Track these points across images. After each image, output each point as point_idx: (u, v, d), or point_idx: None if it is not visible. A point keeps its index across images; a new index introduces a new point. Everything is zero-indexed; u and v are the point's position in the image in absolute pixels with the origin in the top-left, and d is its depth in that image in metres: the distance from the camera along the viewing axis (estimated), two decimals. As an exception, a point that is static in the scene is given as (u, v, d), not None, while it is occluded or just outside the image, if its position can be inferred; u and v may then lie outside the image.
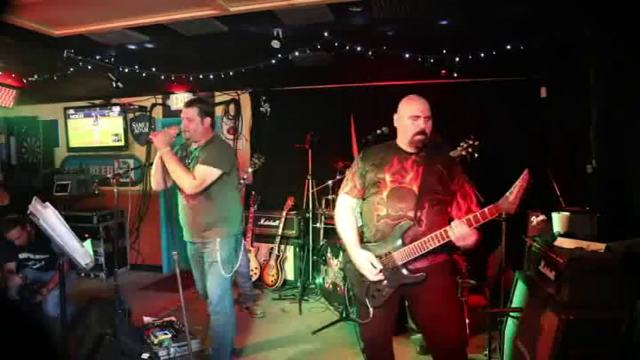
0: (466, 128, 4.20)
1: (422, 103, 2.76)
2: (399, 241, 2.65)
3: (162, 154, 3.50)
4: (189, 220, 3.72)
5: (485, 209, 2.46)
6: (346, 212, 2.92)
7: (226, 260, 3.66)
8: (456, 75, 4.64)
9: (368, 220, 2.83)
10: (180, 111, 6.95)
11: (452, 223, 2.53)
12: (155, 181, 3.75)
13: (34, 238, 4.59)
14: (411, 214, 2.65)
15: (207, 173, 3.49)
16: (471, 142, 3.99)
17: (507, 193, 2.41)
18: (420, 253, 2.60)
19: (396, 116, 2.87)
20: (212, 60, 5.03)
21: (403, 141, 2.81)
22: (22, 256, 4.63)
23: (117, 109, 7.43)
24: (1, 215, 5.45)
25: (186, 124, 3.61)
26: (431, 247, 2.57)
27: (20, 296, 4.44)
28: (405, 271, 2.67)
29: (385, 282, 2.71)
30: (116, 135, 7.52)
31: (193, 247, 3.83)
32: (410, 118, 2.73)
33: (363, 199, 2.89)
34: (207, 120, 3.67)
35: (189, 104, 3.67)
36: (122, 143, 7.52)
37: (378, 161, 2.81)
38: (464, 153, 3.97)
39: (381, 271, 2.67)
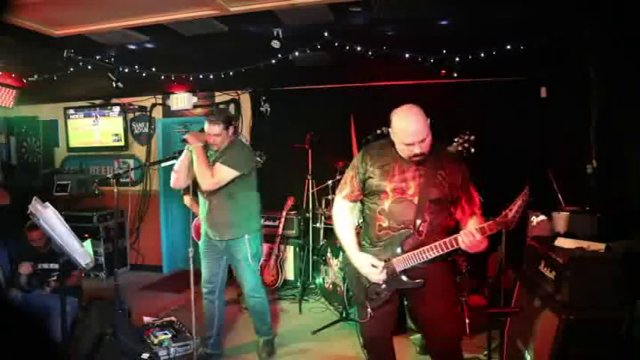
0: (466, 128, 4.19)
1: (415, 125, 2.53)
2: (399, 249, 2.64)
3: (194, 149, 3.73)
4: (213, 219, 3.96)
5: (485, 225, 2.43)
6: (344, 216, 2.89)
7: (255, 254, 4.04)
8: (455, 75, 4.64)
9: (369, 227, 2.80)
10: (180, 112, 7.06)
11: (461, 232, 2.49)
12: (175, 179, 3.92)
13: (48, 249, 4.56)
14: (412, 225, 2.63)
15: (225, 173, 3.77)
16: (466, 136, 3.98)
17: (507, 210, 2.37)
18: (420, 262, 2.58)
19: (391, 130, 2.68)
20: (212, 60, 5.03)
21: (401, 153, 2.67)
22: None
23: (117, 109, 7.43)
24: (1, 215, 5.46)
25: (214, 140, 3.84)
26: (434, 256, 2.55)
27: (29, 284, 4.43)
28: (404, 278, 2.66)
29: (384, 286, 2.70)
30: (116, 135, 7.53)
31: (217, 243, 4.02)
32: (403, 144, 2.58)
33: (365, 204, 2.85)
34: (231, 128, 3.95)
35: (212, 122, 3.83)
36: (122, 143, 7.52)
37: (378, 169, 2.71)
38: (460, 148, 3.97)
39: (383, 269, 2.66)
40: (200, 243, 4.14)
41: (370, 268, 2.67)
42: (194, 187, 3.99)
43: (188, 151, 3.78)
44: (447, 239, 2.53)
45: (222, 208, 3.89)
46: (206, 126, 3.85)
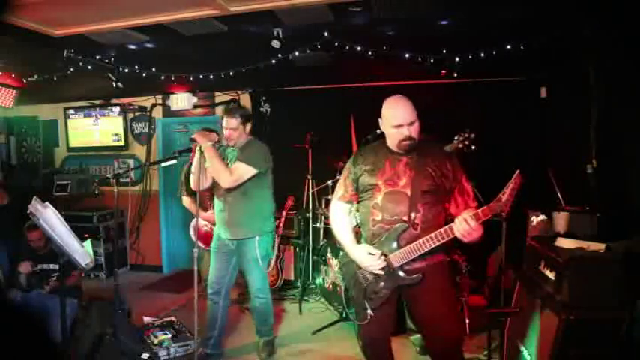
0: (466, 128, 4.20)
1: (404, 109, 2.67)
2: (395, 244, 2.65)
3: (204, 149, 3.67)
4: (227, 218, 3.95)
5: (479, 211, 2.45)
6: (340, 216, 2.95)
7: (265, 256, 4.04)
8: (455, 75, 4.64)
9: (364, 224, 2.83)
10: (180, 112, 7.06)
11: (456, 219, 2.51)
12: (194, 181, 3.87)
13: (48, 249, 4.55)
14: (406, 218, 2.65)
15: (244, 170, 3.77)
16: (466, 134, 4.00)
17: (500, 194, 2.41)
18: (417, 255, 2.60)
19: (380, 121, 2.79)
20: (212, 60, 5.03)
21: (392, 144, 2.77)
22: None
23: (117, 109, 7.44)
24: (1, 215, 5.46)
25: (230, 134, 3.87)
26: (430, 247, 2.56)
27: (28, 284, 4.43)
28: (401, 273, 2.67)
29: (382, 284, 2.71)
30: (116, 135, 7.53)
31: (228, 243, 4.01)
32: (393, 127, 2.67)
33: (360, 203, 2.88)
34: (248, 126, 3.97)
35: (230, 115, 3.87)
36: (122, 143, 7.53)
37: (370, 167, 2.78)
38: (460, 146, 3.99)
39: (380, 256, 2.67)
40: (212, 242, 4.15)
41: (368, 257, 2.69)
42: (211, 187, 4.03)
43: (198, 152, 3.72)
44: (441, 229, 2.55)
45: (237, 207, 3.89)
46: (224, 120, 3.89)
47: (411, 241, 2.61)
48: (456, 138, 4.07)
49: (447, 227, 2.54)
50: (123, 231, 7.57)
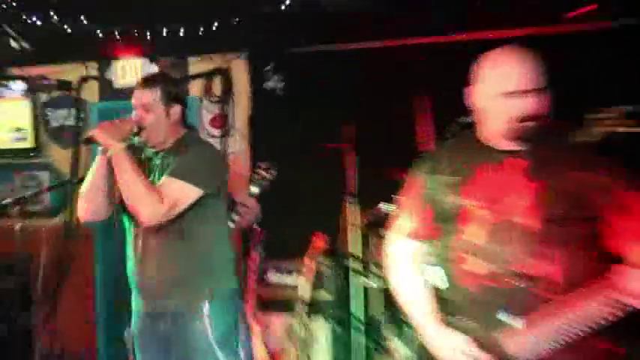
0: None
1: (522, 66, 2.54)
2: (511, 319, 2.47)
3: (111, 157, 3.54)
4: (150, 275, 3.78)
5: None
6: (406, 267, 2.93)
7: (226, 339, 3.70)
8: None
9: (450, 280, 2.74)
10: (129, 89, 7.09)
11: (619, 267, 2.30)
12: (85, 207, 3.80)
13: None
14: (530, 271, 2.48)
15: (180, 192, 3.56)
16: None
17: None
18: (559, 343, 2.38)
19: (475, 89, 2.72)
20: (182, 4, 5.13)
21: (492, 130, 2.70)
22: None
23: (19, 85, 7.41)
24: None
25: (142, 116, 3.73)
26: (581, 329, 2.33)
27: None
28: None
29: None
30: (18, 130, 7.49)
31: (158, 323, 3.82)
32: (502, 95, 2.54)
33: (436, 242, 2.84)
34: (176, 109, 3.83)
35: (145, 83, 3.83)
36: (29, 143, 7.47)
37: (451, 176, 2.73)
38: (609, 127, 3.94)
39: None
40: (132, 324, 4.02)
41: (463, 357, 2.56)
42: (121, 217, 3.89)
43: (104, 158, 3.62)
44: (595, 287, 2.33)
45: (164, 254, 3.74)
46: (134, 93, 3.82)
47: (543, 313, 2.41)
48: (601, 115, 4.05)
49: (604, 283, 2.30)
50: (27, 300, 6.99)
